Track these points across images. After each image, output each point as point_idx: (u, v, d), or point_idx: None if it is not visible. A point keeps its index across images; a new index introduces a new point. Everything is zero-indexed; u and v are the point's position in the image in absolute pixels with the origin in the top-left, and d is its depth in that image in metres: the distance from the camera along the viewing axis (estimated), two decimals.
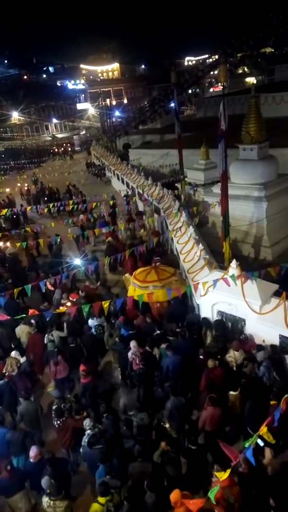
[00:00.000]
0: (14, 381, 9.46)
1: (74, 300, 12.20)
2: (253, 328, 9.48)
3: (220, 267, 10.86)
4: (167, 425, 7.94)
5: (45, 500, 6.64)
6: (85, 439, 7.58)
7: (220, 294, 9.91)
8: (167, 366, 9.07)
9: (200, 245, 12.33)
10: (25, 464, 7.71)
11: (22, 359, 10.27)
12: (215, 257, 12.33)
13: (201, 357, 9.08)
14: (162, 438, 7.33)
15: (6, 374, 9.56)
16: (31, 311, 11.55)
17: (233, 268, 9.66)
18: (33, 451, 7.31)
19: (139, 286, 11.31)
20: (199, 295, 10.49)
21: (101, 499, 6.34)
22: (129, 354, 9.60)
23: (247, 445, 5.58)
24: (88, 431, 7.63)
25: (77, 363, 9.79)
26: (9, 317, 10.60)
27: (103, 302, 9.77)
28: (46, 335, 10.74)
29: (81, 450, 7.79)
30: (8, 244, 17.61)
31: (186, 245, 13.21)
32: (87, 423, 7.75)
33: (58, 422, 8.14)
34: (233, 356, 9.00)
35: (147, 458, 7.13)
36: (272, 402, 7.08)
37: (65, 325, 11.16)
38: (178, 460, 7.17)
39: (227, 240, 12.82)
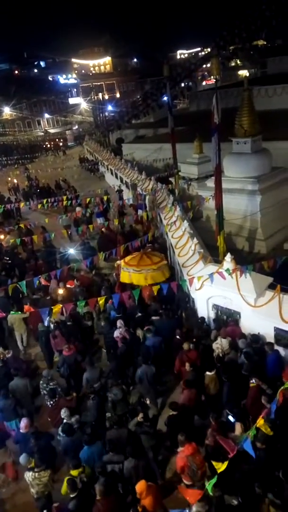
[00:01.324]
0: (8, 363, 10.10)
1: (71, 287, 12.73)
2: (248, 321, 9.53)
3: (214, 260, 10.88)
4: (147, 401, 8.53)
5: (29, 474, 7.04)
6: (60, 428, 7.95)
7: (215, 288, 9.94)
8: (147, 347, 9.49)
9: (195, 239, 12.33)
10: (16, 428, 8.52)
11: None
12: (209, 251, 12.34)
13: (177, 337, 9.59)
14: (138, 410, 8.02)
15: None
16: (26, 307, 11.60)
17: (228, 261, 9.69)
18: (23, 422, 7.96)
19: (135, 271, 11.54)
20: (194, 289, 10.51)
21: (74, 472, 6.82)
22: (116, 333, 10.12)
23: (244, 437, 5.62)
24: (65, 420, 8.01)
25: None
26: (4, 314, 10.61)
27: (98, 298, 9.80)
28: (48, 318, 11.02)
29: (58, 437, 8.06)
30: (1, 236, 17.84)
31: (181, 239, 13.21)
32: (64, 412, 8.10)
33: (51, 402, 8.72)
34: (220, 343, 9.17)
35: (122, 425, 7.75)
36: (251, 385, 7.55)
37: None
38: (152, 433, 7.61)
39: (222, 233, 12.83)
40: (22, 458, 7.42)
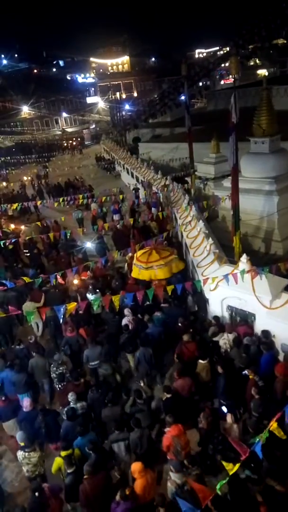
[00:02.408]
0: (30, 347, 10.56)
1: (85, 278, 13.20)
2: (263, 323, 9.41)
3: (230, 261, 10.79)
4: (141, 384, 8.92)
5: (20, 453, 7.34)
6: (64, 411, 8.21)
7: (229, 289, 9.86)
8: (147, 334, 9.96)
9: (210, 239, 12.24)
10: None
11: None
12: (225, 251, 12.24)
13: (179, 324, 10.00)
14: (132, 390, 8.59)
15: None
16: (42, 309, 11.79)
17: (243, 262, 9.60)
18: (26, 401, 8.42)
19: (144, 268, 11.79)
20: (208, 290, 10.45)
21: (63, 453, 7.06)
22: (124, 320, 10.53)
23: (256, 440, 5.57)
24: (71, 404, 8.25)
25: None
26: (19, 312, 10.78)
27: (113, 297, 9.85)
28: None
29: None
30: (22, 227, 18.64)
31: (196, 240, 13.14)
32: (71, 396, 8.35)
33: (60, 386, 9.19)
34: (227, 338, 9.27)
35: (116, 403, 8.14)
36: (251, 377, 7.83)
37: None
38: (147, 412, 8.03)
39: (237, 234, 12.72)
40: (19, 436, 7.67)
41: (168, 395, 8.04)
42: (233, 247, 12.82)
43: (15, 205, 21.50)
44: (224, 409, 7.53)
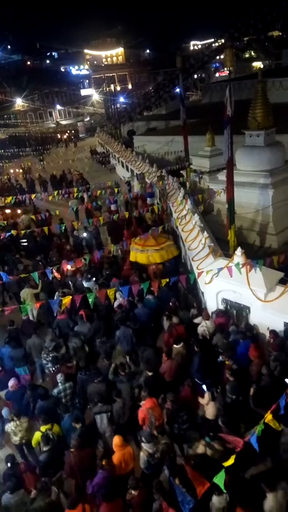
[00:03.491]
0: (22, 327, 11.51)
1: (80, 266, 13.63)
2: (258, 316, 9.48)
3: (225, 255, 10.82)
4: (127, 359, 9.52)
5: (10, 424, 7.92)
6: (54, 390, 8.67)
7: (225, 282, 9.89)
8: (134, 314, 10.53)
9: (205, 233, 12.25)
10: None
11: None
12: (220, 245, 12.27)
13: (170, 303, 10.60)
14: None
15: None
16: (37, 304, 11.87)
17: (238, 256, 9.63)
18: (11, 382, 8.79)
19: (140, 250, 12.84)
20: (203, 283, 10.47)
21: (43, 428, 7.42)
22: (116, 302, 11.03)
23: (251, 432, 5.62)
24: (59, 384, 8.62)
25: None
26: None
27: (108, 290, 9.86)
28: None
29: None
30: (19, 211, 19.56)
31: (191, 233, 13.15)
32: (60, 377, 8.72)
33: (53, 368, 9.53)
34: (205, 325, 9.69)
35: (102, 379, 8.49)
36: (227, 363, 8.23)
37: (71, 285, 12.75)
38: (128, 382, 8.49)
39: (232, 227, 12.75)
40: (4, 411, 8.34)
41: (150, 373, 8.41)
42: (228, 241, 12.85)
43: (9, 199, 21.30)
44: (204, 387, 8.01)
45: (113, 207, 19.80)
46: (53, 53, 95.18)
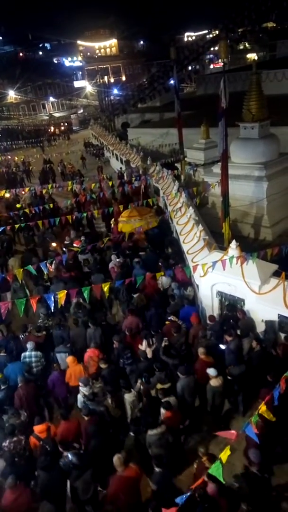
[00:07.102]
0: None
1: (78, 245, 14.33)
2: (252, 308, 9.52)
3: (219, 247, 10.83)
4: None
5: None
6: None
7: (219, 275, 9.91)
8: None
9: (200, 225, 12.25)
10: None
11: None
12: (215, 237, 12.28)
13: (159, 264, 11.73)
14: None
15: None
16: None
17: (233, 248, 9.64)
18: None
19: (125, 221, 14.70)
20: (198, 276, 10.49)
21: None
22: (110, 264, 12.31)
23: (246, 422, 5.66)
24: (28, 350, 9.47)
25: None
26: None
27: (103, 284, 9.83)
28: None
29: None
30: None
31: (186, 226, 13.14)
32: (29, 344, 9.45)
33: (22, 336, 10.27)
34: (160, 281, 11.35)
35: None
36: (173, 318, 9.68)
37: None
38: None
39: (227, 220, 12.75)
40: None
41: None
42: (222, 234, 12.85)
43: (2, 192, 21.22)
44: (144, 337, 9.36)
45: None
46: (46, 45, 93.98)
